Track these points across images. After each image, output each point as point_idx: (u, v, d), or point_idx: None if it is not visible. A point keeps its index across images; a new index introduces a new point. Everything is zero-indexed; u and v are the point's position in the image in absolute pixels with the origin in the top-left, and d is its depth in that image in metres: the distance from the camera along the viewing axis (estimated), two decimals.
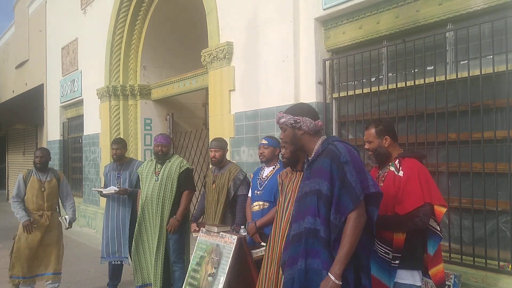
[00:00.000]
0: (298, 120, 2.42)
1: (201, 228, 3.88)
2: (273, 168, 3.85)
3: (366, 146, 2.92)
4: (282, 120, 2.48)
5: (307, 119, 2.42)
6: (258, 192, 3.83)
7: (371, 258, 2.39)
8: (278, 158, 3.86)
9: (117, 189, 4.87)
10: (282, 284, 2.82)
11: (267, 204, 3.75)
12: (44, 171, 4.76)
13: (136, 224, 4.55)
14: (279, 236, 3.07)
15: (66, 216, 4.87)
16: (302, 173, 3.03)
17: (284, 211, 3.04)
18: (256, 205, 3.82)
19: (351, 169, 2.20)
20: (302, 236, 2.32)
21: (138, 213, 4.57)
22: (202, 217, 4.52)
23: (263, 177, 3.85)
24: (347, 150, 2.28)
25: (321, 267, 2.22)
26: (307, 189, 2.37)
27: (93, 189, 5.18)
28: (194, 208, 4.76)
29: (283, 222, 3.03)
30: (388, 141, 2.81)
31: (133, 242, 4.54)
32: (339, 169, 2.22)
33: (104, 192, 4.93)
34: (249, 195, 4.01)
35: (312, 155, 2.40)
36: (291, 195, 3.04)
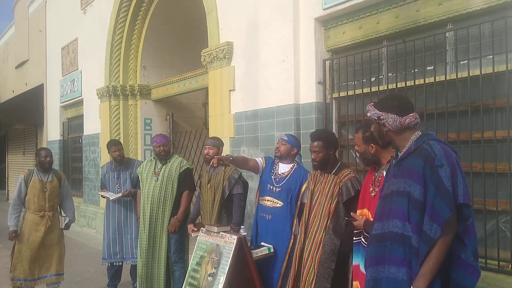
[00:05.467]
0: (381, 117, 2.21)
1: (201, 228, 3.87)
2: (291, 168, 3.74)
3: (356, 148, 2.93)
4: (368, 114, 2.28)
5: (391, 115, 2.18)
6: (273, 188, 3.71)
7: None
8: (295, 158, 3.79)
9: (124, 192, 4.88)
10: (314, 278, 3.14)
11: (281, 203, 3.64)
12: (46, 171, 4.73)
13: (139, 226, 4.54)
14: (303, 230, 3.33)
15: (66, 218, 4.85)
16: (330, 175, 3.26)
17: (311, 209, 3.31)
18: (268, 201, 3.71)
19: (447, 174, 1.99)
20: (385, 240, 2.14)
21: (139, 214, 4.57)
22: (198, 218, 4.49)
23: (279, 173, 3.75)
24: (444, 152, 2.05)
25: (406, 278, 2.04)
26: (393, 188, 2.16)
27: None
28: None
29: (308, 218, 3.31)
30: (374, 148, 2.73)
31: (138, 248, 4.48)
32: (433, 173, 2.01)
33: (111, 199, 4.92)
34: (258, 187, 3.88)
35: (402, 153, 2.19)
36: (318, 195, 3.28)
